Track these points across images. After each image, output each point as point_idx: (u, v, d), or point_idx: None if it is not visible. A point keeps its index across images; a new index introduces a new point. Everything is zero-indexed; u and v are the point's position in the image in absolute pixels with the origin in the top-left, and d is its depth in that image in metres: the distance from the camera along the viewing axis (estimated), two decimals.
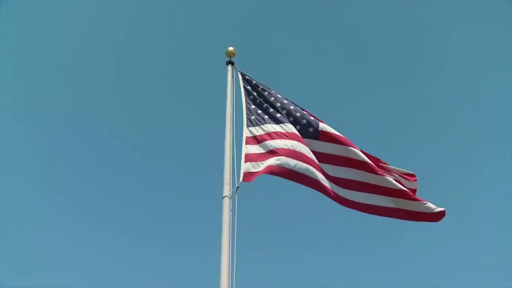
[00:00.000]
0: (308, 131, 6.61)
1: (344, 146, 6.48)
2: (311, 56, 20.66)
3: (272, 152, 6.25)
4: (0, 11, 15.23)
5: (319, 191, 6.30)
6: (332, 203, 6.31)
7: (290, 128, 6.52)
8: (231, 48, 7.23)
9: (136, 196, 19.51)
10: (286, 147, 6.30)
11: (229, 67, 7.11)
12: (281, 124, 6.56)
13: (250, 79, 7.07)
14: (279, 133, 6.45)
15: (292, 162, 6.21)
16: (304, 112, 6.77)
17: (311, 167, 6.28)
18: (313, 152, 6.45)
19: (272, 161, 6.15)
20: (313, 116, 6.74)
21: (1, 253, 14.59)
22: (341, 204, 6.36)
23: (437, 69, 20.02)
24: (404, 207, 6.36)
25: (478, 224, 17.71)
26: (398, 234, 17.94)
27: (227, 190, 5.81)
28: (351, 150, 6.46)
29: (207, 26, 20.99)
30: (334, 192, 6.33)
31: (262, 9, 21.03)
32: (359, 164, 6.42)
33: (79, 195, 18.70)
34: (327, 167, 6.43)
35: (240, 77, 7.05)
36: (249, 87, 6.96)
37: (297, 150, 6.32)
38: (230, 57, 7.19)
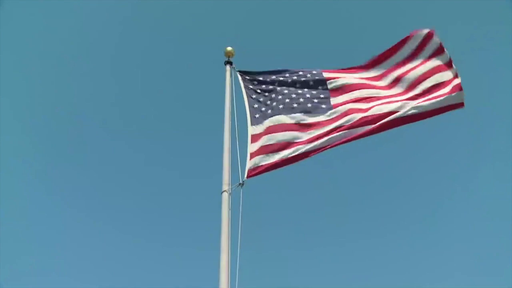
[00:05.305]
0: (321, 108, 6.62)
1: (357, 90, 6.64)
2: (311, 56, 20.65)
3: (273, 147, 6.24)
4: (0, 11, 15.27)
5: (312, 155, 6.20)
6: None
7: (293, 119, 6.51)
8: (229, 48, 7.27)
9: (136, 195, 19.55)
10: (284, 140, 6.29)
11: (228, 67, 7.17)
12: (287, 116, 6.56)
13: (254, 76, 7.11)
14: (282, 125, 6.45)
15: (287, 152, 6.19)
16: (313, 91, 6.82)
17: (305, 145, 6.21)
18: (330, 120, 6.44)
19: (274, 156, 6.14)
20: (323, 87, 6.82)
21: (1, 254, 14.65)
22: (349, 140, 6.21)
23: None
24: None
25: (477, 223, 17.75)
26: (405, 230, 18.05)
27: (226, 185, 5.83)
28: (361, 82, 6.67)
29: (205, 26, 21.06)
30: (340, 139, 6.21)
31: (261, 8, 21.09)
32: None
33: (78, 195, 18.72)
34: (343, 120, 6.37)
35: (240, 77, 7.09)
36: (251, 86, 7.00)
37: (298, 141, 6.28)
38: (229, 57, 7.25)
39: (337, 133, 6.19)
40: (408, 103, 6.23)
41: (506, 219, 15.50)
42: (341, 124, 6.29)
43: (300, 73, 7.03)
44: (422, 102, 6.17)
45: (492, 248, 16.25)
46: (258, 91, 6.95)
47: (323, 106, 6.65)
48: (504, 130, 17.51)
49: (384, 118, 6.16)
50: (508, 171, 16.89)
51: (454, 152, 19.41)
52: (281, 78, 7.02)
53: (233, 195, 5.81)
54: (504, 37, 17.25)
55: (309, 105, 6.67)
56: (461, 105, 6.07)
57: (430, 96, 6.19)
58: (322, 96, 6.77)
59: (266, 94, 6.90)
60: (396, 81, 6.66)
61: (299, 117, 6.53)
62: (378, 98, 6.53)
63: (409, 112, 6.11)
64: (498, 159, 17.93)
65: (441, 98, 6.06)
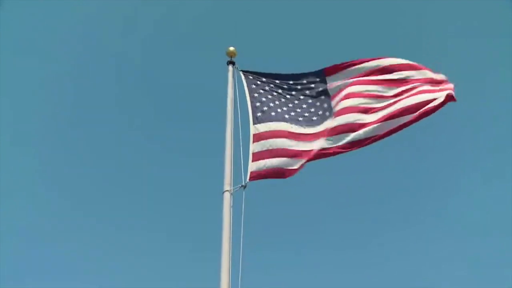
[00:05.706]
0: (325, 115, 6.70)
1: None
2: (312, 56, 20.68)
3: (278, 152, 6.25)
4: (0, 11, 15.25)
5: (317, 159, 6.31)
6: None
7: (297, 129, 6.55)
8: (232, 48, 7.24)
9: (136, 196, 19.52)
10: (290, 147, 6.31)
11: (230, 67, 7.13)
12: (290, 123, 6.59)
13: (257, 77, 7.12)
14: (286, 132, 6.47)
15: (292, 162, 6.19)
16: (318, 102, 6.89)
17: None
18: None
19: (276, 162, 6.15)
20: (325, 94, 6.92)
21: (1, 254, 14.65)
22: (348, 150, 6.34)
23: (435, 69, 19.96)
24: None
25: (477, 223, 17.75)
26: (407, 230, 18.06)
27: (227, 185, 5.82)
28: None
29: (207, 25, 21.04)
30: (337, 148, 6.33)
31: (263, 8, 21.05)
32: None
33: (79, 195, 18.68)
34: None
35: (243, 76, 7.09)
36: (253, 86, 6.99)
37: (302, 149, 6.31)
38: (231, 57, 7.22)
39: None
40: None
41: (508, 218, 15.52)
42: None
43: (304, 81, 7.05)
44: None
45: (494, 247, 16.29)
46: (261, 91, 6.94)
47: (327, 113, 6.76)
48: (504, 129, 17.54)
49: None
50: (509, 170, 16.93)
51: (454, 151, 19.45)
52: (285, 86, 7.05)
53: (235, 196, 5.79)
54: (504, 37, 17.29)
55: (314, 118, 6.77)
56: (452, 99, 6.22)
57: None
58: (327, 113, 6.79)
59: (269, 96, 6.90)
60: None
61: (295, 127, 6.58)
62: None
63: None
64: (496, 158, 18.00)
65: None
